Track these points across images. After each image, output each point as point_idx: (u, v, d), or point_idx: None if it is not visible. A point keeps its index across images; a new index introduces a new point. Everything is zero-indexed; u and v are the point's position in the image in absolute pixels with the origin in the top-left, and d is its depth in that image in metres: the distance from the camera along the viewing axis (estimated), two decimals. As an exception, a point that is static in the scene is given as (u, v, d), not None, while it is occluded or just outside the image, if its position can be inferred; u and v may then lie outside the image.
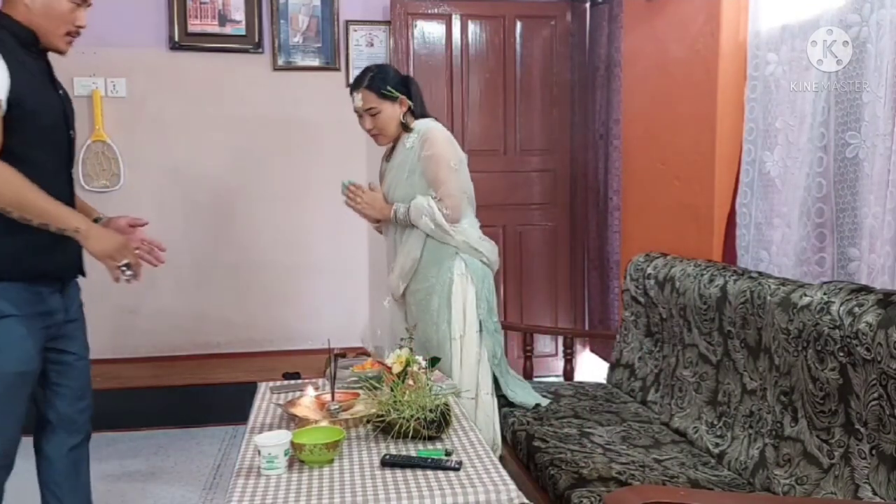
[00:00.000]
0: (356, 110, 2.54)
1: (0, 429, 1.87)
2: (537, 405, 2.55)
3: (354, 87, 2.51)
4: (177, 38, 4.01)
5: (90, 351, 2.12)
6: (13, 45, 1.79)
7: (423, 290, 2.49)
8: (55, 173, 1.89)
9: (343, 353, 2.54)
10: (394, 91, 2.46)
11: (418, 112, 2.53)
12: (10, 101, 1.73)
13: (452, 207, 2.42)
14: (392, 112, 2.48)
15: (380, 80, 2.47)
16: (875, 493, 1.53)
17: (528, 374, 3.09)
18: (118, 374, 3.76)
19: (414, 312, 2.55)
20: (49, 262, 1.86)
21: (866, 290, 1.64)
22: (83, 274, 2.04)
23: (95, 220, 2.11)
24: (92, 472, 3.10)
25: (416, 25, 4.10)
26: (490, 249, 2.52)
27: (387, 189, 2.60)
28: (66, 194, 1.92)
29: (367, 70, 2.54)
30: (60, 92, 1.98)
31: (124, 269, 1.83)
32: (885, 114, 1.80)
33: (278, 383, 2.35)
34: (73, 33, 1.91)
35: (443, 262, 2.45)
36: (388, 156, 2.67)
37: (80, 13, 1.90)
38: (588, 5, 4.06)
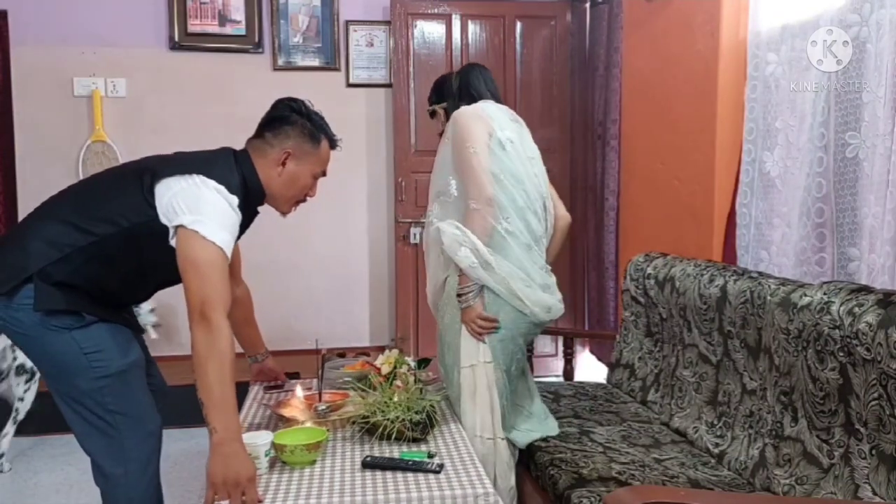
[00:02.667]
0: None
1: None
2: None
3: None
4: (177, 38, 4.01)
5: None
6: (246, 210, 1.83)
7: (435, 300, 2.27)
8: (148, 287, 1.99)
9: (343, 353, 2.54)
10: (433, 108, 2.38)
11: (462, 101, 2.26)
12: None
13: (478, 199, 2.05)
14: (440, 123, 2.36)
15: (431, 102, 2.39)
16: (875, 493, 1.53)
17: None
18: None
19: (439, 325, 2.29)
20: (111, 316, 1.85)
21: (866, 290, 1.64)
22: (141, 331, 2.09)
23: (256, 357, 2.33)
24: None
25: (416, 25, 4.10)
26: (537, 302, 2.10)
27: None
28: (140, 299, 2.06)
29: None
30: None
31: None
32: (885, 114, 1.81)
33: (271, 383, 2.35)
34: (302, 201, 1.98)
35: (456, 272, 2.11)
36: None
37: (316, 185, 1.98)
38: (588, 5, 4.07)
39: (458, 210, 2.15)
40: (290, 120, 1.89)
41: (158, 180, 1.74)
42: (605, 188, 3.85)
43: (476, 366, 2.08)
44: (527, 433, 2.21)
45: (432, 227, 2.20)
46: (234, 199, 1.76)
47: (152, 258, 1.77)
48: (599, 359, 4.06)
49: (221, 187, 1.74)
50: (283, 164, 1.87)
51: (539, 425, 2.24)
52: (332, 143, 1.98)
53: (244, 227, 1.92)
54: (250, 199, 1.86)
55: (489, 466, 2.05)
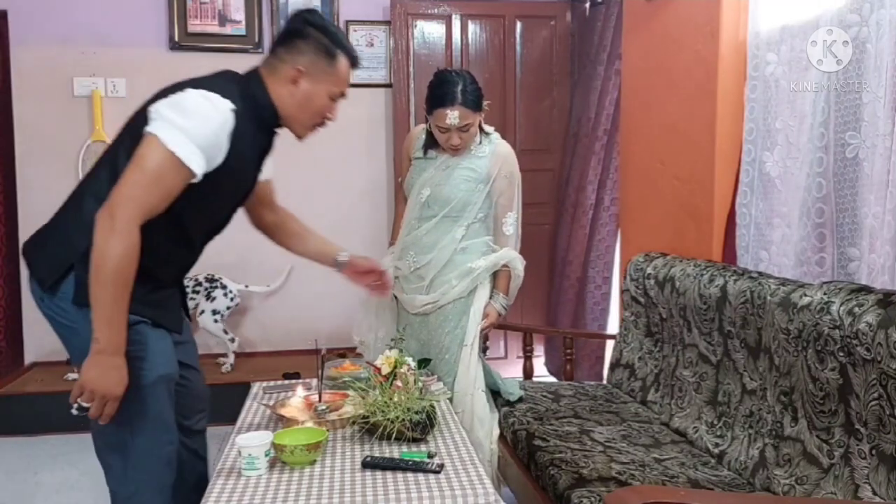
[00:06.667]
0: (447, 127, 2.30)
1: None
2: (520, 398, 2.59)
3: (447, 102, 2.27)
4: (177, 38, 4.01)
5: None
6: (248, 125, 1.68)
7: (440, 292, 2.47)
8: (192, 241, 1.77)
9: (343, 353, 2.54)
10: (483, 100, 2.35)
11: None
12: (207, 174, 1.60)
13: (517, 228, 2.48)
14: (476, 122, 2.36)
15: (473, 92, 2.30)
16: (875, 493, 1.53)
17: (528, 374, 3.09)
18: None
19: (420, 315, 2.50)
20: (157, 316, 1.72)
21: (866, 290, 1.64)
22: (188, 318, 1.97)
23: (337, 261, 2.14)
24: (94, 472, 3.10)
25: (416, 25, 4.10)
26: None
27: (428, 185, 2.44)
28: (188, 262, 1.82)
29: (452, 81, 2.29)
30: (257, 174, 1.85)
31: (78, 407, 1.56)
32: (885, 114, 1.80)
33: (271, 383, 2.35)
34: (320, 124, 1.81)
35: (467, 267, 2.44)
36: (424, 151, 2.50)
37: (336, 107, 1.80)
38: (588, 5, 4.07)
39: (484, 231, 2.48)
40: (304, 34, 1.71)
41: (150, 117, 1.59)
42: (570, 186, 3.96)
43: (472, 344, 2.45)
44: (506, 392, 2.59)
45: (464, 244, 2.44)
46: (227, 103, 1.60)
47: (185, 205, 1.62)
48: (552, 372, 4.13)
49: (212, 94, 1.60)
50: (296, 82, 1.71)
51: (511, 387, 2.62)
52: (353, 61, 1.77)
53: (263, 149, 1.78)
54: (260, 117, 1.72)
55: (468, 415, 2.39)
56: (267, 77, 1.74)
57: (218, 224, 1.82)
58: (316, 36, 1.71)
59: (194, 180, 1.58)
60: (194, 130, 1.55)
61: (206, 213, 1.71)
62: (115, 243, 1.50)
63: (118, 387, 1.55)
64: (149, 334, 1.67)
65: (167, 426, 1.72)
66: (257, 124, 1.72)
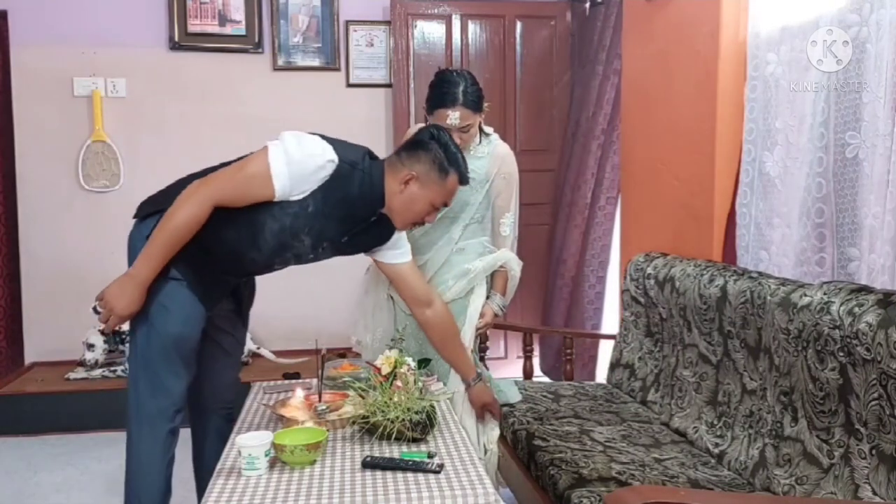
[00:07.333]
0: (447, 128, 2.23)
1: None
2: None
3: (449, 103, 2.26)
4: (177, 38, 4.01)
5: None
6: (343, 186, 1.86)
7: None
8: (256, 254, 1.93)
9: (343, 354, 2.53)
10: (484, 101, 2.34)
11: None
12: (285, 202, 1.83)
13: (514, 229, 2.47)
14: (476, 123, 2.35)
15: (474, 93, 2.29)
16: (875, 493, 1.53)
17: (528, 374, 3.09)
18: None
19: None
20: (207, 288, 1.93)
21: (866, 290, 1.64)
22: (236, 301, 2.14)
23: (471, 381, 2.25)
24: (94, 472, 3.12)
25: (416, 25, 4.11)
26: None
27: None
28: (250, 268, 2.03)
29: (454, 82, 2.28)
30: (345, 239, 2.00)
31: (94, 308, 1.86)
32: (885, 114, 1.80)
33: (272, 383, 2.35)
34: (419, 224, 2.04)
35: (464, 268, 2.40)
36: None
37: (435, 214, 2.03)
38: (588, 5, 4.07)
39: (481, 232, 2.45)
40: (427, 146, 1.95)
41: (278, 136, 1.84)
42: (565, 185, 3.97)
43: (468, 343, 2.38)
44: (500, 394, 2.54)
45: (463, 245, 2.42)
46: (333, 156, 1.82)
47: (260, 220, 1.85)
48: (546, 372, 4.14)
49: (328, 146, 1.83)
50: (407, 183, 1.93)
51: (506, 390, 2.60)
52: (463, 180, 2.01)
53: (351, 216, 1.93)
54: (362, 189, 1.89)
55: (459, 413, 2.31)
56: (387, 170, 1.95)
57: (281, 255, 1.97)
58: (436, 151, 1.95)
59: (274, 198, 1.81)
60: (296, 160, 1.80)
61: (275, 238, 1.89)
62: (186, 207, 1.78)
63: (126, 309, 1.80)
64: (184, 296, 1.87)
65: (169, 379, 1.89)
66: (355, 192, 1.89)
